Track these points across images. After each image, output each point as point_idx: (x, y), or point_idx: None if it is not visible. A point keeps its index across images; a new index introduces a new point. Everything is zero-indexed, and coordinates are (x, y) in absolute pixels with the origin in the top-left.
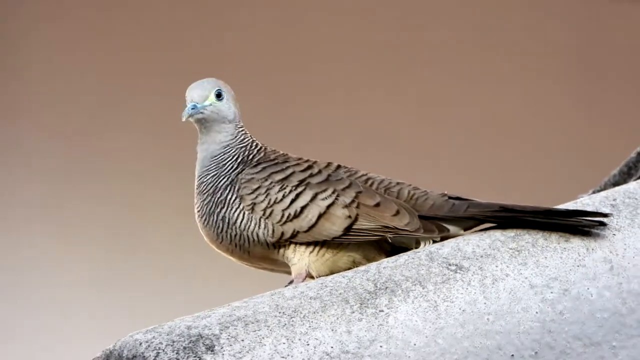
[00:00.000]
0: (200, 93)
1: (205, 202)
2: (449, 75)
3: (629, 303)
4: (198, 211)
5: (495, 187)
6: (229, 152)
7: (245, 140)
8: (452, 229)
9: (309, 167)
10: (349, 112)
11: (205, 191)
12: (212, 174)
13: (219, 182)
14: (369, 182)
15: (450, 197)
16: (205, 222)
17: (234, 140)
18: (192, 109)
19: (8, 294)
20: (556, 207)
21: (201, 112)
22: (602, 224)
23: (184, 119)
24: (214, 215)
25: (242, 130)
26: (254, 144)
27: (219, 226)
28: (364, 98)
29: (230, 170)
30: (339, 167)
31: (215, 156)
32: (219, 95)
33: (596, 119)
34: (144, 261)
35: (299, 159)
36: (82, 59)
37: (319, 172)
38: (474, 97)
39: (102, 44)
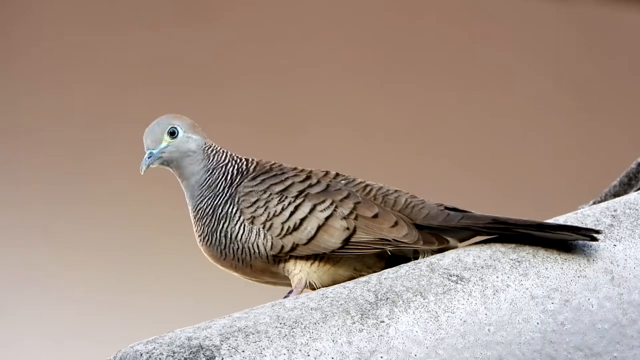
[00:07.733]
0: (152, 138)
1: (206, 223)
2: (446, 82)
3: (630, 314)
4: (199, 235)
5: (495, 198)
6: (214, 173)
7: (223, 157)
8: (448, 239)
9: (308, 178)
10: (348, 117)
11: (204, 215)
12: (207, 197)
13: (216, 201)
14: (367, 189)
15: (446, 208)
16: (208, 242)
17: (210, 162)
18: (149, 157)
19: (7, 309)
20: (548, 222)
21: (160, 157)
22: (594, 239)
23: (142, 172)
24: (216, 233)
25: (211, 151)
26: (235, 157)
27: (222, 242)
28: (363, 102)
29: (225, 187)
30: (337, 175)
31: (202, 183)
32: (172, 133)
33: (597, 130)
34: (145, 271)
35: (295, 168)
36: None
37: (318, 182)
38: (473, 107)
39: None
